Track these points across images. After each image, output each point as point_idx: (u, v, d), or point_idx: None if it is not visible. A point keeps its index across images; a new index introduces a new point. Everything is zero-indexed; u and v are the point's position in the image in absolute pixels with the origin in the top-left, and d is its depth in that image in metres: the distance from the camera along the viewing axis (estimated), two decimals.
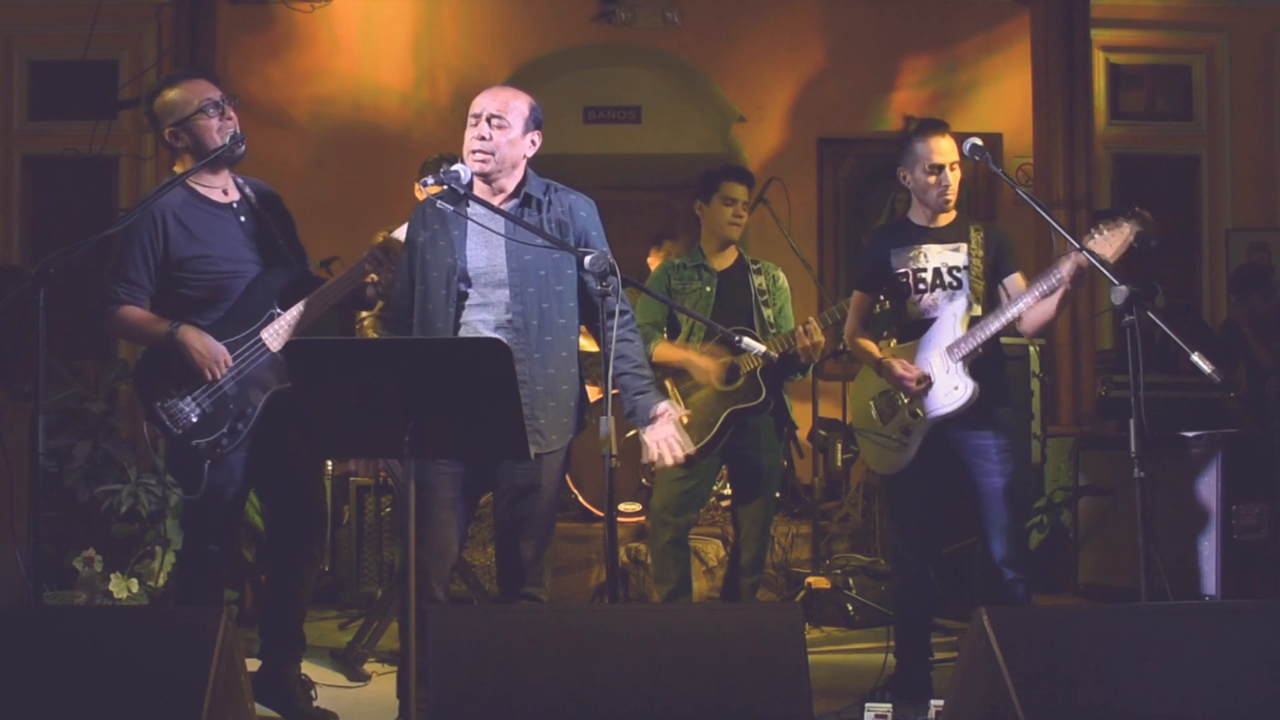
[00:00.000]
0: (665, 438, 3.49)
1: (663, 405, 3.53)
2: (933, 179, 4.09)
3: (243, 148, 3.79)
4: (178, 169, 3.82)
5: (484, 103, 3.59)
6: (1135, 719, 2.62)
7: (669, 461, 3.52)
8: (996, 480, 4.03)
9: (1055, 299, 3.91)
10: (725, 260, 4.95)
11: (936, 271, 4.12)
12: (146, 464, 5.13)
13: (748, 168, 5.73)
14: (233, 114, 3.80)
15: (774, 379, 4.84)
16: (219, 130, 3.77)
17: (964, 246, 4.12)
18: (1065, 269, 3.78)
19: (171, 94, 3.78)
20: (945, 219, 4.17)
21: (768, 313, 4.88)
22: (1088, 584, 5.78)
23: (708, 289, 4.87)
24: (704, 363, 4.77)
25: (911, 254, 4.15)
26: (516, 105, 3.60)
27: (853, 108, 8.28)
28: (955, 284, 4.10)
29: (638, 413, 3.55)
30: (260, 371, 3.76)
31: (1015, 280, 4.11)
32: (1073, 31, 6.98)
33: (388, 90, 8.04)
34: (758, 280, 4.91)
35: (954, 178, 4.11)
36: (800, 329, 4.66)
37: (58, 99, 7.57)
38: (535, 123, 3.64)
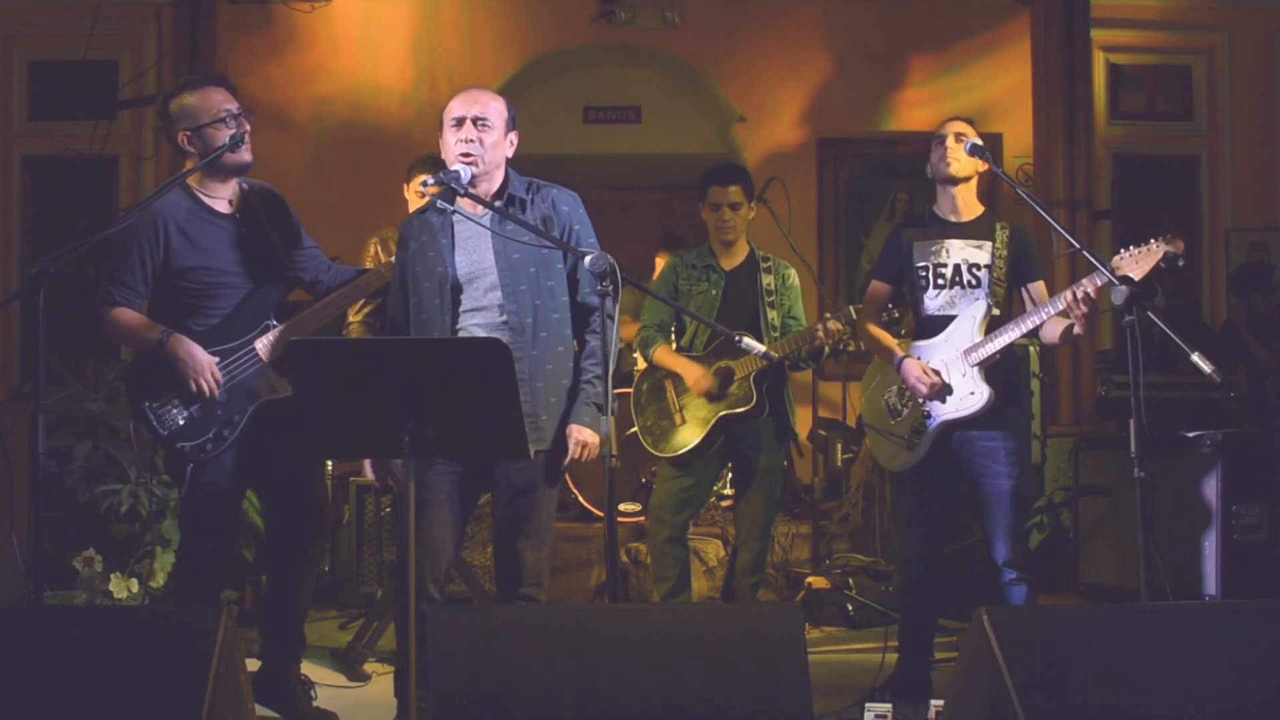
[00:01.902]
0: (578, 441, 3.55)
1: (577, 425, 3.58)
2: (936, 153, 4.11)
3: (249, 158, 3.78)
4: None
5: (465, 106, 3.58)
6: (1135, 719, 2.61)
7: (577, 455, 3.56)
8: (1004, 482, 4.02)
9: (1060, 327, 3.92)
10: (735, 258, 4.92)
11: (957, 268, 4.10)
12: (146, 463, 5.14)
13: (744, 167, 5.67)
14: (247, 126, 3.79)
15: (773, 385, 4.83)
16: None
17: (988, 245, 4.09)
18: (1073, 291, 3.76)
19: (190, 99, 3.77)
20: (971, 214, 4.15)
21: (772, 315, 4.85)
22: (1088, 584, 5.78)
23: (713, 292, 4.85)
24: (696, 371, 4.77)
25: (934, 248, 4.13)
26: (496, 107, 3.61)
27: (853, 108, 8.28)
28: (974, 283, 4.08)
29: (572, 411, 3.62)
30: (251, 381, 3.79)
31: (1039, 288, 4.09)
32: (1073, 31, 6.97)
33: (388, 90, 8.04)
34: (766, 280, 4.89)
35: (956, 149, 4.07)
36: (820, 328, 4.57)
37: (58, 99, 7.57)
38: (513, 123, 3.66)
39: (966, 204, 4.15)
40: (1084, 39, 7.05)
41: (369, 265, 4.56)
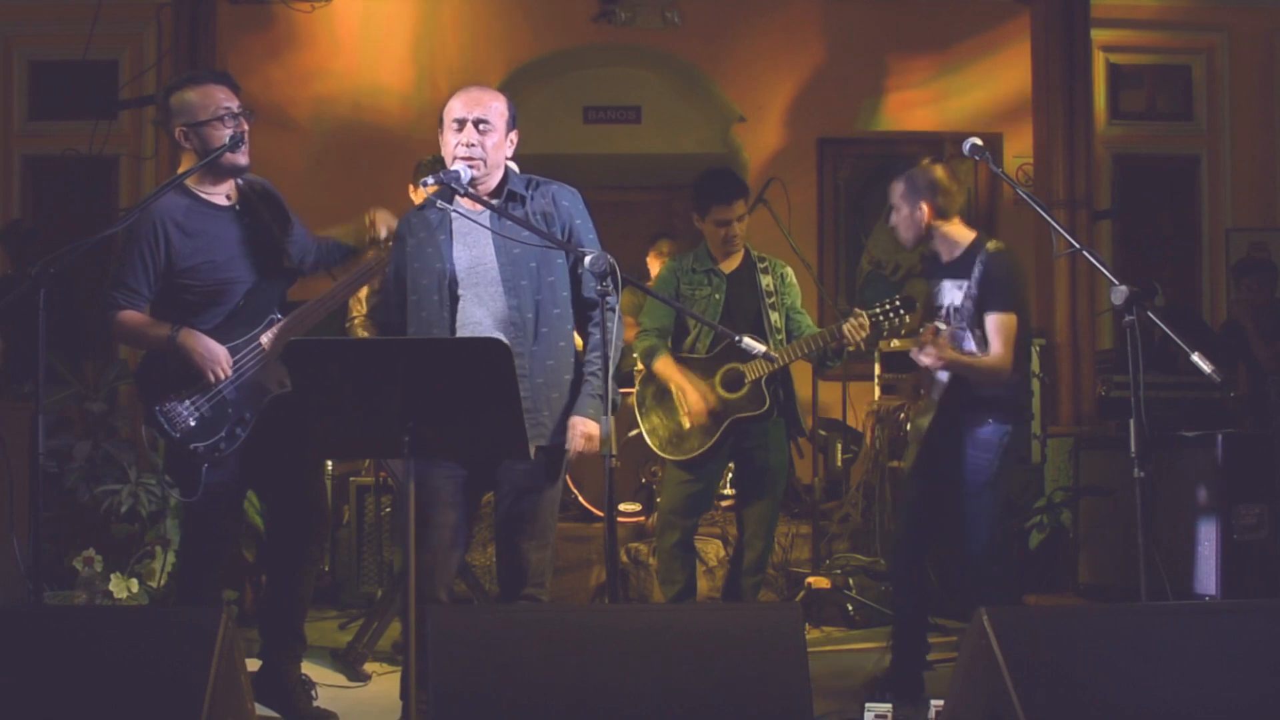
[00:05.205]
0: (582, 433, 3.55)
1: (581, 417, 3.57)
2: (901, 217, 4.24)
3: (245, 161, 3.78)
4: (183, 170, 3.82)
5: (466, 107, 3.56)
6: (1135, 719, 2.62)
7: (580, 448, 3.56)
8: (982, 478, 4.10)
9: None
10: (733, 262, 4.91)
11: (950, 309, 4.16)
12: (146, 464, 5.13)
13: (743, 170, 5.63)
14: (246, 126, 3.78)
15: (781, 386, 4.83)
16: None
17: (965, 283, 4.11)
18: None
19: (190, 94, 3.76)
20: (958, 249, 4.15)
21: (774, 316, 4.85)
22: (1088, 584, 5.77)
23: (716, 295, 4.84)
24: (694, 401, 4.74)
25: (936, 289, 4.22)
26: (497, 107, 3.59)
27: (853, 108, 8.28)
28: (961, 326, 4.12)
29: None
30: (259, 376, 3.78)
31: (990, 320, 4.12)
32: (1073, 31, 6.96)
33: (388, 90, 8.03)
34: (765, 281, 4.88)
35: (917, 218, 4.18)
36: (852, 323, 4.56)
37: (58, 99, 7.58)
38: (513, 121, 3.64)
39: (947, 245, 4.17)
40: (1084, 39, 7.04)
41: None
